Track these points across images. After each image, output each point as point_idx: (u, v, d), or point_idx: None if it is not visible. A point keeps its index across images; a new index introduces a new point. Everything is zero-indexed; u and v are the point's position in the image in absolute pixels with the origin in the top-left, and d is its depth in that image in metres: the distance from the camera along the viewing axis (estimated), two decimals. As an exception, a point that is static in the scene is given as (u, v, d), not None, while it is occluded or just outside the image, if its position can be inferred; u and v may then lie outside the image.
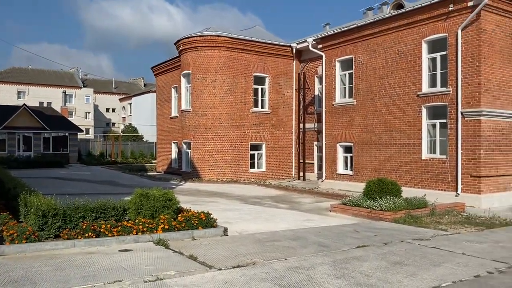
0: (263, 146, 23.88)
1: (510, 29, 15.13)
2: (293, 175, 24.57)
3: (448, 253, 7.83)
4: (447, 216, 12.02)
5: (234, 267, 6.65)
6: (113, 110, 77.09)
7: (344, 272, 6.52)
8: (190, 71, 23.37)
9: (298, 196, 17.44)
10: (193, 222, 8.99)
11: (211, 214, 9.46)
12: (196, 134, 22.99)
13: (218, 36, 22.56)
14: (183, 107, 24.76)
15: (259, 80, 23.86)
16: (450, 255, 7.68)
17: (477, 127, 14.42)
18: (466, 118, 14.69)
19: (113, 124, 75.99)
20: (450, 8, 15.03)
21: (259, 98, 23.92)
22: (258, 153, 23.87)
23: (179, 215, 9.19)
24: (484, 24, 14.36)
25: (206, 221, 9.18)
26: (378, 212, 11.69)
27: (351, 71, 19.28)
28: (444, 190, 15.13)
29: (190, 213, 9.41)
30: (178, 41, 23.83)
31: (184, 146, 24.48)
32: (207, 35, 22.76)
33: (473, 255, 7.70)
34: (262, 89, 24.00)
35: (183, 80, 24.89)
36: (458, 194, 14.66)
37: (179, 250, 7.62)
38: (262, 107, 23.99)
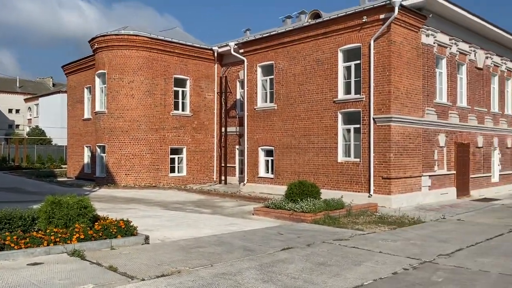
0: (184, 150, 23.42)
1: (415, 42, 16.42)
2: (215, 179, 24.40)
3: (366, 252, 8.20)
4: (362, 216, 12.66)
5: (158, 277, 6.33)
6: (17, 111, 70.83)
7: (271, 275, 6.51)
8: (105, 71, 22.21)
9: (220, 200, 17.31)
10: (111, 230, 8.44)
11: (131, 221, 8.98)
12: (112, 137, 21.87)
13: (137, 35, 21.73)
14: (97, 108, 23.46)
15: (180, 82, 23.39)
16: (369, 254, 8.05)
17: (388, 132, 15.42)
18: (377, 124, 15.64)
19: (17, 126, 69.84)
20: (364, 20, 15.94)
21: (180, 100, 23.43)
22: (178, 157, 23.34)
23: (95, 223, 8.58)
24: (393, 36, 15.43)
25: (126, 229, 8.67)
26: (300, 214, 11.96)
27: (272, 76, 19.64)
28: (358, 192, 15.96)
29: (107, 221, 8.84)
30: (93, 39, 22.55)
31: (98, 150, 23.17)
32: (124, 34, 21.81)
33: (389, 253, 8.15)
34: (183, 91, 23.55)
35: (97, 80, 23.59)
36: (371, 195, 15.53)
37: (97, 261, 7.09)
38: (183, 110, 23.53)
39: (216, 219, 12.49)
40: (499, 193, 21.02)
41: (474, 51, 19.80)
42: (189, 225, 11.19)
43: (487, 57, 20.87)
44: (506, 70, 22.88)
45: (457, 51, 18.65)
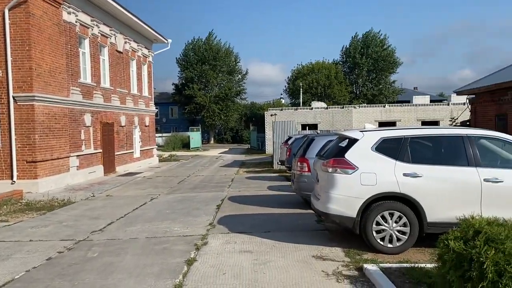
0: None
1: (57, 18, 15.77)
2: None
3: (15, 244, 7.47)
4: (6, 206, 11.36)
5: None
6: None
7: None
8: None
9: None
10: None
11: None
12: None
13: None
14: None
15: None
16: (18, 245, 7.36)
17: (31, 112, 14.29)
18: (19, 103, 14.22)
19: None
20: (-4, -16, 13.93)
21: None
22: None
23: None
24: (32, 9, 14.24)
25: None
26: None
27: None
28: (-1, 180, 14.18)
29: None
30: None
31: None
32: None
33: (41, 240, 7.72)
34: None
35: None
36: (14, 181, 14.10)
37: None
38: None
39: None
40: (141, 167, 23.45)
41: (114, 34, 20.90)
42: None
43: (126, 42, 22.50)
44: (142, 56, 25.40)
45: (99, 32, 19.18)
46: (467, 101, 19.74)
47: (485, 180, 6.14)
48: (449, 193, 6.18)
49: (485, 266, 3.84)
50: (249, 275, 5.55)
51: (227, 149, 44.79)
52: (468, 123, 19.64)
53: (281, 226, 8.44)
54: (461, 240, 4.20)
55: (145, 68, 26.12)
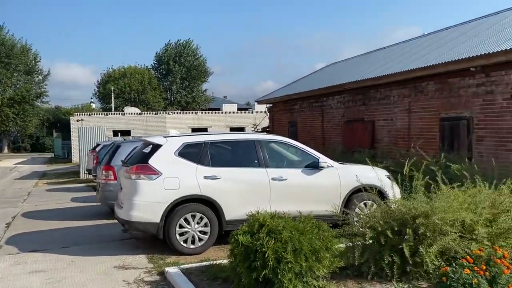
0: None
1: None
2: None
3: None
4: None
5: None
6: None
7: None
8: None
9: None
10: None
11: None
12: None
13: None
14: None
15: None
16: None
17: None
18: None
19: None
20: None
21: None
22: None
23: None
24: None
25: None
26: None
27: None
28: None
29: None
30: None
31: None
32: None
33: None
34: None
35: None
36: None
37: None
38: None
39: None
40: None
41: None
42: None
43: None
44: None
45: None
46: (266, 110, 22.01)
47: (273, 179, 6.93)
48: (244, 192, 6.76)
49: (266, 255, 4.33)
50: (40, 297, 5.03)
51: (25, 159, 39.67)
52: (268, 129, 21.89)
53: (84, 239, 7.90)
54: (248, 234, 4.64)
55: None
